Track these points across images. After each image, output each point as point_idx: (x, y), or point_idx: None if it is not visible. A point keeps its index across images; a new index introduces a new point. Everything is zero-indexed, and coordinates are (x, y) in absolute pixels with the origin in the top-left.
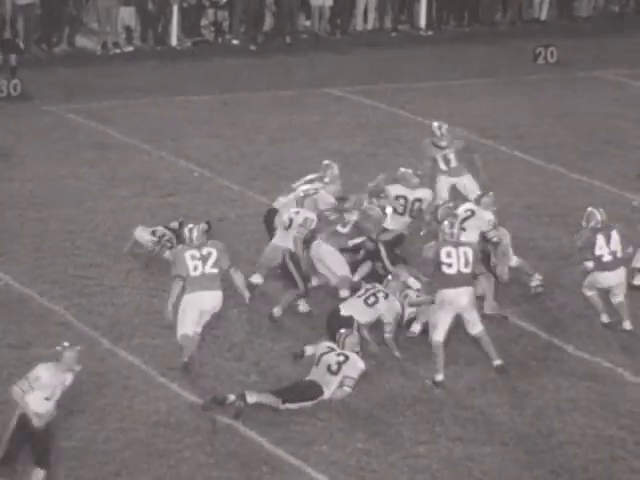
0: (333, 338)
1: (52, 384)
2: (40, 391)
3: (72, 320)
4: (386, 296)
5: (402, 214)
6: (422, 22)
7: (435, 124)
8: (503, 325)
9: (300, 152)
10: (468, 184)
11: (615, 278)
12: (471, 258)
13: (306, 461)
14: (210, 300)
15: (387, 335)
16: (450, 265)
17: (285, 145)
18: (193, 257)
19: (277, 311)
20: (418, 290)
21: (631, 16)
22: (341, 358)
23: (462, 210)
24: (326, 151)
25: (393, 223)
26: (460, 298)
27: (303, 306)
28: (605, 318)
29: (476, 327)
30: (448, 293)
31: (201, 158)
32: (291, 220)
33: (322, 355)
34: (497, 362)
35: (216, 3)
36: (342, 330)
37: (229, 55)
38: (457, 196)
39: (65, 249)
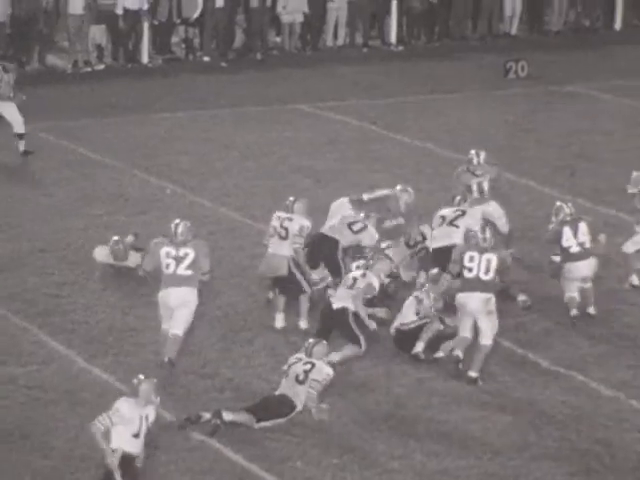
0: (327, 334)
1: (133, 417)
2: (123, 426)
3: (46, 339)
4: (364, 275)
5: (411, 247)
6: (392, 37)
7: (472, 152)
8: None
9: (271, 168)
10: (495, 211)
11: (586, 268)
12: (493, 266)
13: (281, 477)
14: (176, 297)
15: (357, 302)
16: (470, 270)
17: (256, 161)
18: (168, 255)
19: (303, 324)
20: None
21: (602, 30)
22: (308, 366)
23: (450, 211)
24: (297, 167)
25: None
26: (469, 302)
27: (279, 322)
28: (575, 312)
29: (483, 338)
30: (460, 296)
31: (173, 175)
32: (286, 229)
33: (291, 366)
34: (472, 373)
35: (186, 20)
36: (310, 340)
37: (200, 72)
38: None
39: (38, 268)
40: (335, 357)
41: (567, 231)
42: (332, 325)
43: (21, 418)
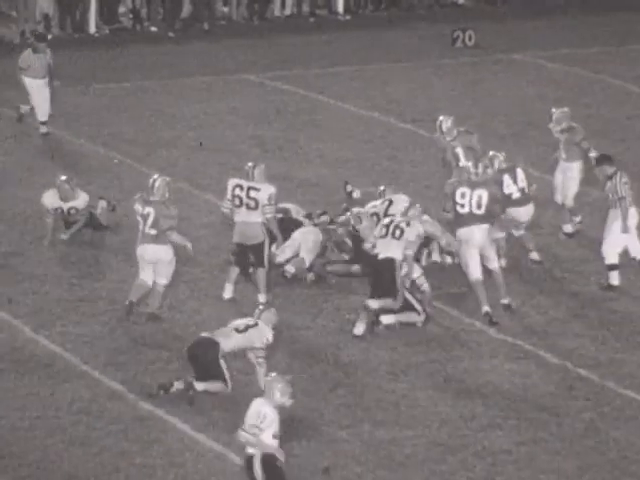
0: (377, 281)
1: (275, 418)
2: (269, 430)
3: None
4: (408, 223)
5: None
6: (340, 7)
7: (440, 118)
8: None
9: (219, 138)
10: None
11: (526, 213)
12: (485, 201)
13: (228, 447)
14: (152, 252)
15: (409, 252)
16: (463, 205)
17: (204, 131)
18: (137, 212)
19: (262, 297)
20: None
21: None
22: (251, 322)
23: (379, 203)
24: (245, 137)
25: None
26: (473, 235)
27: (228, 293)
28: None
29: (492, 263)
30: (461, 231)
31: (121, 145)
32: (255, 200)
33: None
34: (504, 301)
35: None
36: (260, 306)
37: (147, 42)
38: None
39: None
40: (374, 304)
41: (507, 179)
42: (377, 276)
43: None
